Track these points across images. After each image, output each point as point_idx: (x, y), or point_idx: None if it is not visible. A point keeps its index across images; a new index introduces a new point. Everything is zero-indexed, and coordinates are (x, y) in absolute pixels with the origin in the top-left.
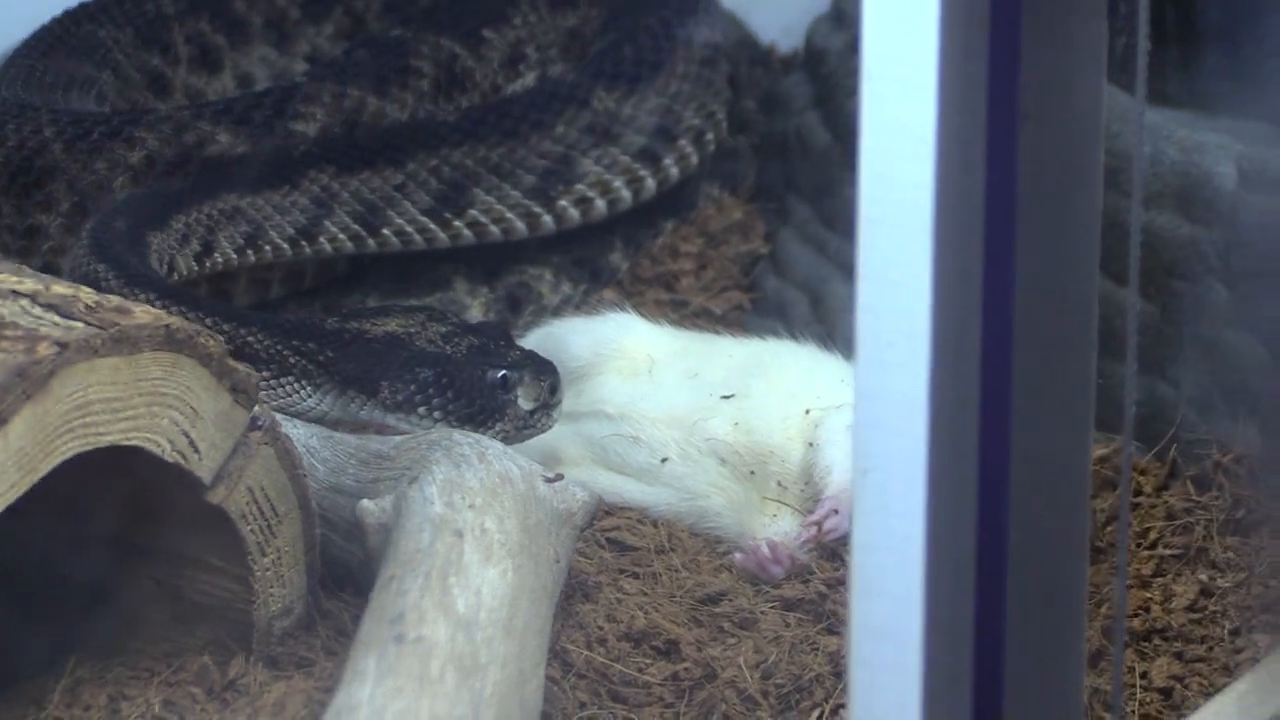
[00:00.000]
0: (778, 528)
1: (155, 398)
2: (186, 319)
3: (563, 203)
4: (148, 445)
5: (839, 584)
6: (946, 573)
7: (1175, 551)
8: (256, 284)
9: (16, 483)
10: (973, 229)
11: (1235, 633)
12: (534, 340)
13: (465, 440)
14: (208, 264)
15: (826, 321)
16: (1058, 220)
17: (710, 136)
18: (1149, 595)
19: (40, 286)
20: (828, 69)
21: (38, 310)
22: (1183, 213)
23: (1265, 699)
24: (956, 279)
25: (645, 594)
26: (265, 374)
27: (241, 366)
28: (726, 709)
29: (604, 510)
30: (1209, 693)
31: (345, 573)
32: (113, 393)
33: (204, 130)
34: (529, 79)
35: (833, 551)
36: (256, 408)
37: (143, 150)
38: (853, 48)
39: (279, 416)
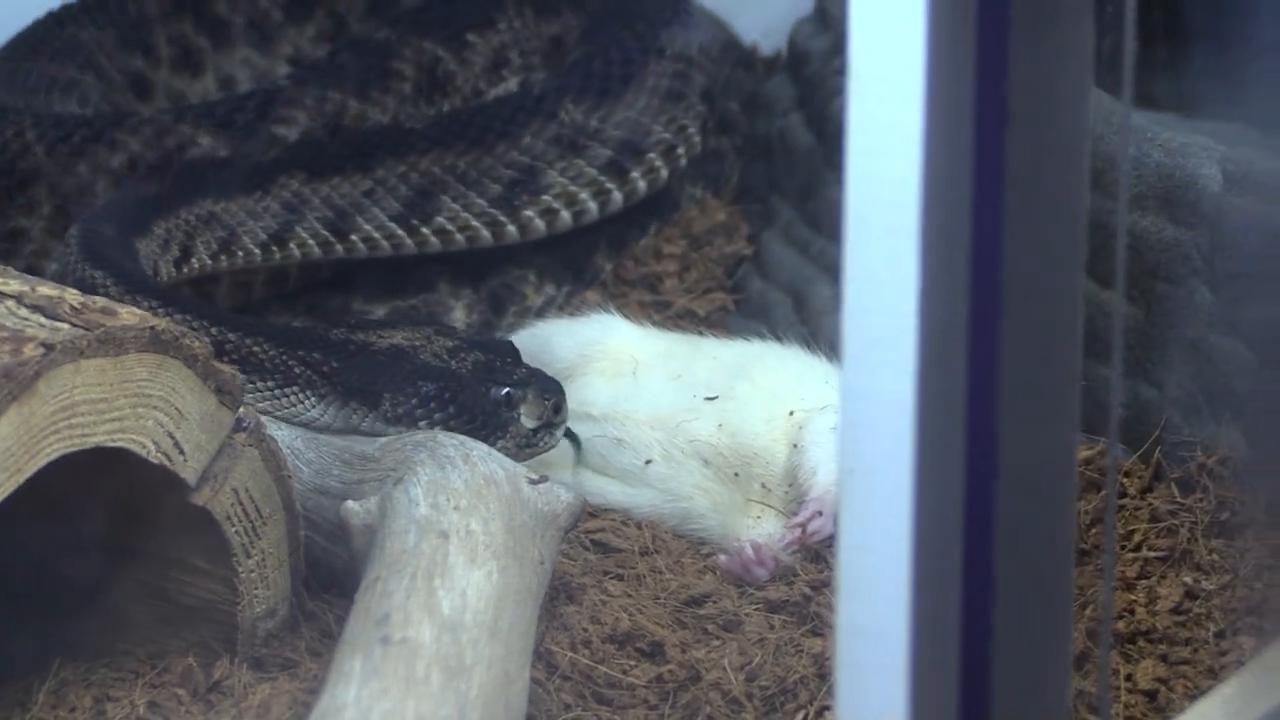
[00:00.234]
0: (762, 530)
1: (140, 399)
2: (191, 326)
3: (528, 213)
4: (133, 447)
5: (823, 586)
6: (933, 574)
7: (1160, 554)
8: (239, 287)
9: (2, 484)
10: (959, 230)
11: (1220, 635)
12: (518, 342)
13: (450, 442)
14: (185, 269)
15: (810, 323)
16: (1044, 222)
17: (681, 151)
18: (1133, 597)
19: (26, 288)
20: (811, 70)
21: (24, 312)
22: (1167, 215)
23: (1251, 702)
24: (943, 280)
25: (629, 596)
26: (270, 383)
27: (226, 368)
28: (711, 711)
29: (588, 512)
30: (1194, 695)
31: (330, 574)
32: (98, 394)
33: (185, 133)
34: (511, 84)
35: (817, 553)
36: (241, 409)
37: (125, 154)
38: (835, 49)
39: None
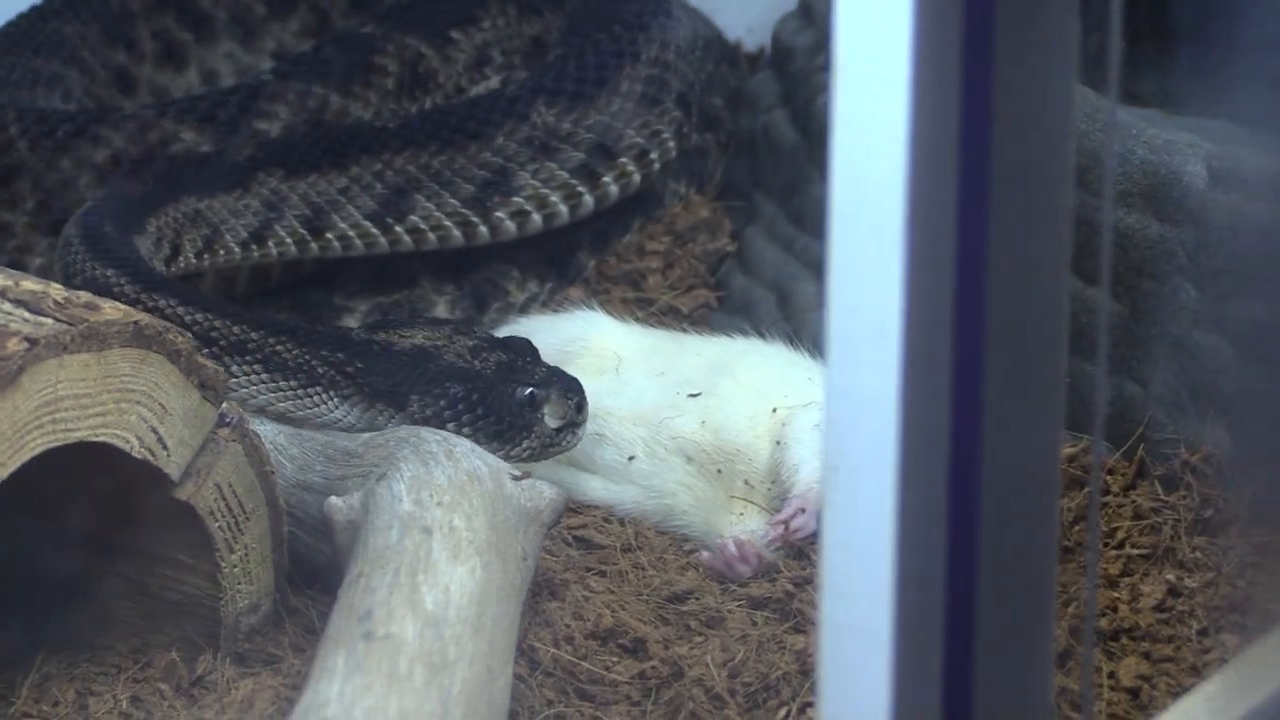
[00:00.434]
0: (745, 526)
1: (124, 394)
2: (214, 325)
3: (499, 214)
4: (117, 442)
5: (806, 583)
6: (916, 571)
7: (1143, 551)
8: (224, 281)
9: None
10: (944, 227)
11: (1203, 633)
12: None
13: (433, 438)
14: (174, 267)
15: (793, 319)
16: (1029, 219)
17: (654, 155)
18: (1116, 595)
19: (9, 283)
20: (795, 67)
21: (7, 306)
22: (1152, 212)
23: (1234, 700)
24: (928, 277)
25: (612, 592)
26: (293, 383)
27: (210, 363)
28: (694, 707)
29: (571, 508)
30: (1176, 693)
31: (313, 570)
32: (82, 389)
33: (168, 129)
34: (493, 82)
35: (800, 550)
36: (224, 404)
37: (108, 149)
38: (820, 45)
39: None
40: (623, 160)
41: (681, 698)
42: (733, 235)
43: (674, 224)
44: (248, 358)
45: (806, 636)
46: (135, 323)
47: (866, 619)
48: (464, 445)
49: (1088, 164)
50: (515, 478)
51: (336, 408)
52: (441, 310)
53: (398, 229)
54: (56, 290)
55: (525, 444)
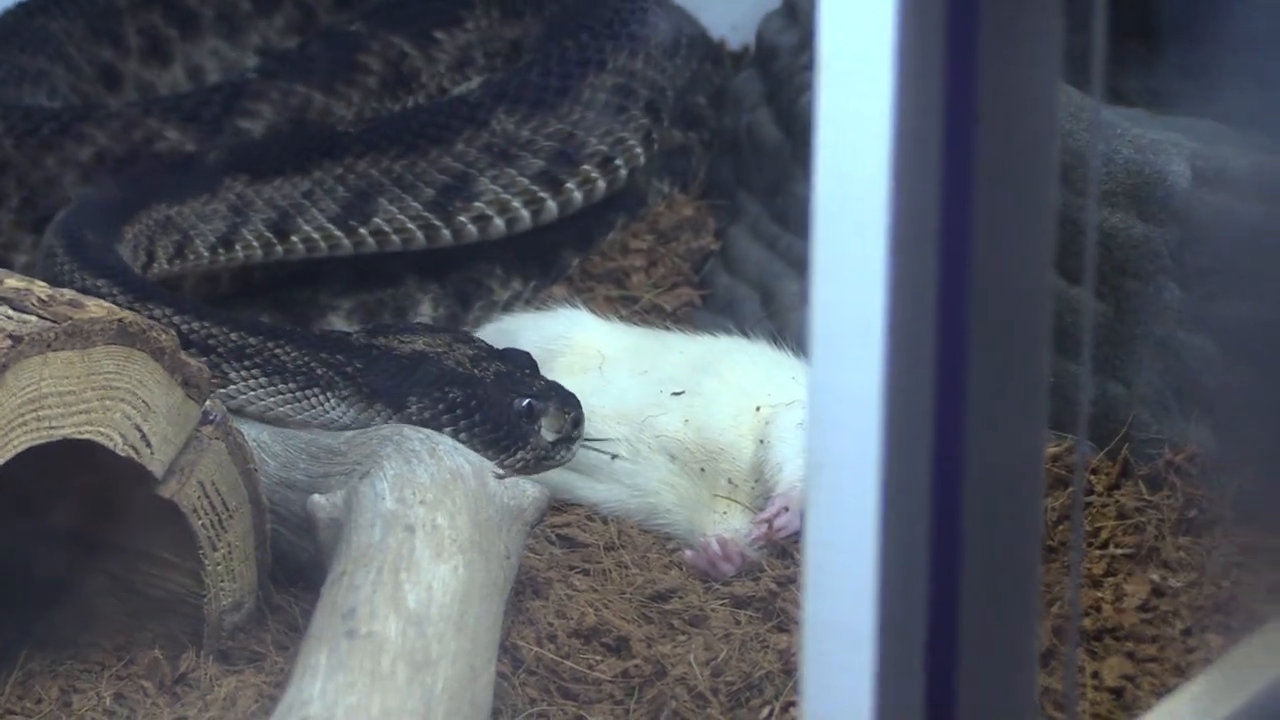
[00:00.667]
0: (728, 525)
1: (108, 392)
2: (210, 333)
3: (461, 218)
4: (100, 439)
5: (789, 581)
6: (899, 570)
7: (1127, 551)
8: (208, 280)
9: None
10: (928, 225)
11: (1187, 633)
12: (484, 336)
13: (416, 435)
14: (148, 273)
15: (777, 318)
16: (1013, 217)
17: (620, 163)
18: (1100, 595)
19: None
20: (779, 65)
21: None
22: (1136, 211)
23: (1219, 700)
24: (911, 275)
25: (595, 591)
26: (292, 385)
27: (193, 361)
28: (677, 706)
29: (554, 507)
30: (1160, 692)
31: (296, 568)
32: (66, 386)
33: (152, 127)
34: (475, 84)
35: (783, 549)
36: (208, 402)
37: (92, 147)
38: (804, 44)
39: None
40: (585, 167)
41: (664, 696)
42: (716, 234)
43: (658, 222)
44: (246, 362)
45: (790, 635)
46: (119, 320)
47: (849, 618)
48: (447, 443)
49: (1072, 163)
50: (499, 476)
51: (334, 408)
52: (426, 308)
53: (361, 231)
54: (40, 288)
55: (520, 454)
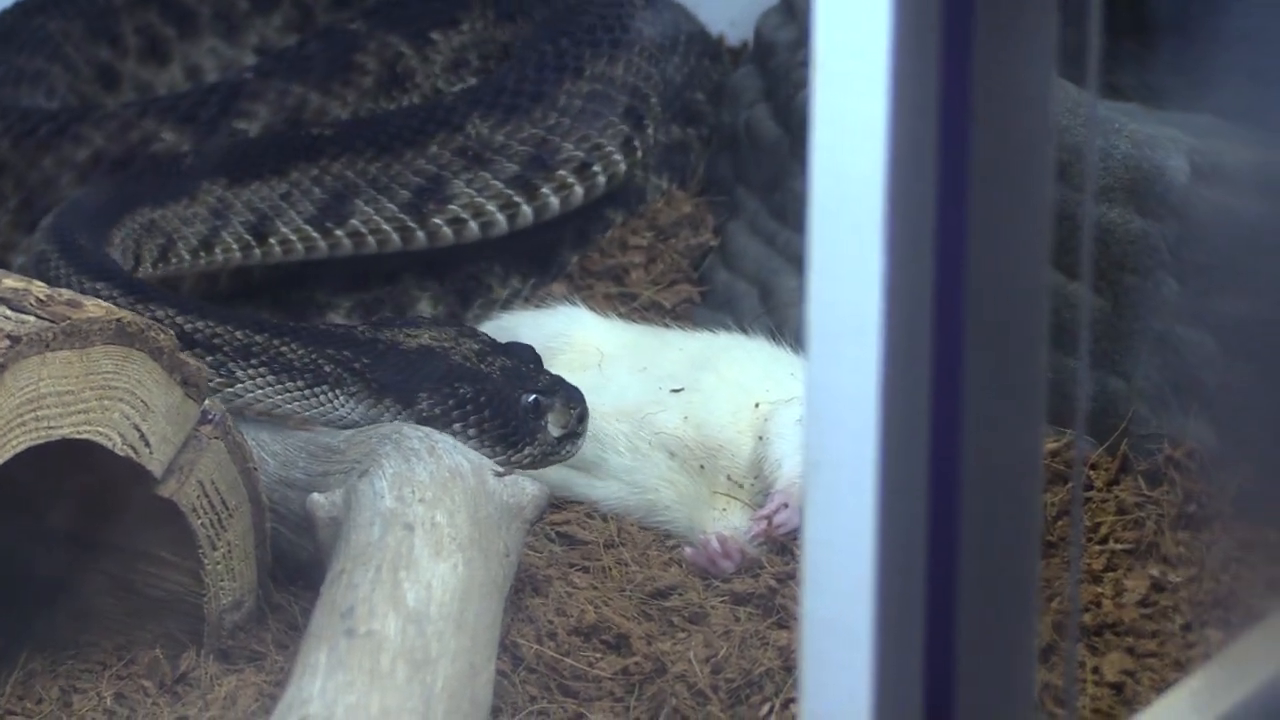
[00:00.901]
0: (728, 522)
1: (106, 391)
2: (215, 332)
3: (436, 220)
4: (99, 439)
5: (789, 578)
6: (898, 567)
7: (1127, 546)
8: (206, 279)
9: None
10: (924, 223)
11: (1187, 628)
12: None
13: (415, 434)
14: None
15: (776, 314)
16: (1009, 214)
17: (597, 169)
18: (1100, 590)
19: None
20: (777, 62)
21: None
22: (1134, 207)
23: (1219, 695)
24: (907, 273)
25: (595, 588)
26: (299, 383)
27: (192, 360)
28: (677, 703)
29: (554, 504)
30: (1160, 688)
31: (296, 566)
32: (65, 386)
33: (149, 128)
34: (469, 85)
35: (783, 546)
36: (207, 401)
37: (89, 148)
38: (801, 40)
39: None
40: (561, 173)
41: (664, 694)
42: (715, 230)
43: (656, 219)
44: (253, 360)
45: (789, 632)
46: (118, 320)
47: (848, 615)
48: (446, 441)
49: (1069, 159)
50: (498, 474)
51: (342, 405)
52: (425, 306)
53: (337, 233)
54: (38, 288)
55: (528, 450)
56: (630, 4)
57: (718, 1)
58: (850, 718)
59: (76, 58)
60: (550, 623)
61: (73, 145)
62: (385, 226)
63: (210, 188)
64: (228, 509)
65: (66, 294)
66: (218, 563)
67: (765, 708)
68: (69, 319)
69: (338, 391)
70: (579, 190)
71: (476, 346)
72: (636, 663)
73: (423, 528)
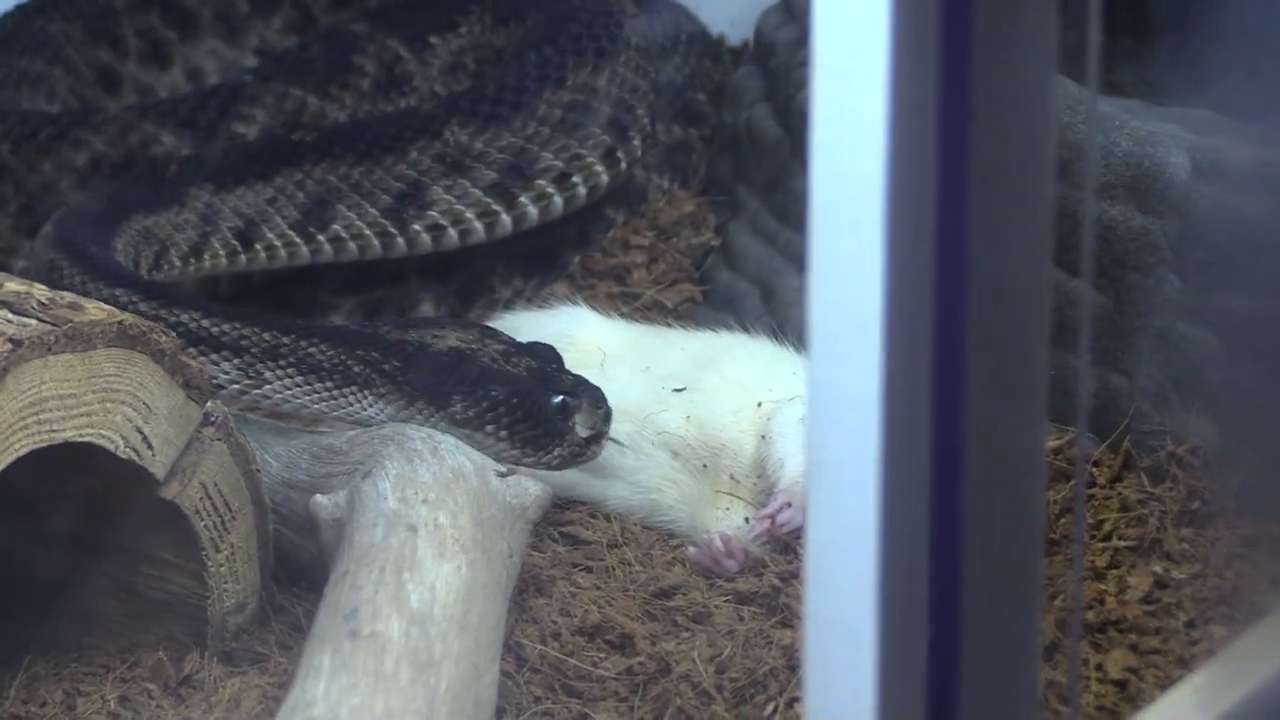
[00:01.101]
0: (731, 521)
1: (109, 394)
2: (242, 334)
3: (415, 227)
4: (102, 442)
5: (792, 577)
6: (901, 565)
7: (1130, 543)
8: (206, 281)
9: None
10: (924, 221)
11: (1190, 624)
12: None
13: (418, 435)
14: None
15: (778, 314)
16: (1009, 212)
17: (577, 180)
18: (1103, 587)
19: None
20: (777, 61)
21: None
22: (1135, 204)
23: (1222, 692)
24: (908, 272)
25: (599, 588)
26: (328, 384)
27: (194, 362)
28: (681, 703)
29: (557, 504)
30: (1164, 685)
31: (299, 568)
32: (67, 389)
33: (149, 132)
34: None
35: (786, 545)
36: (209, 403)
37: (89, 152)
38: (802, 40)
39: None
40: (540, 182)
41: (669, 693)
42: (717, 230)
43: (658, 219)
44: (281, 361)
45: (793, 631)
46: (119, 323)
47: (851, 613)
48: (448, 442)
49: (1070, 156)
50: (500, 474)
51: (371, 405)
52: (427, 306)
53: (320, 238)
54: (40, 291)
55: (557, 451)
56: (621, 15)
57: (718, 2)
58: (854, 716)
59: (77, 60)
60: (554, 623)
61: (73, 149)
62: (367, 232)
63: (198, 194)
64: (230, 511)
65: (68, 297)
66: (221, 565)
67: (769, 707)
68: (71, 322)
69: (367, 392)
70: (558, 200)
71: (500, 347)
72: (641, 662)
73: (426, 529)
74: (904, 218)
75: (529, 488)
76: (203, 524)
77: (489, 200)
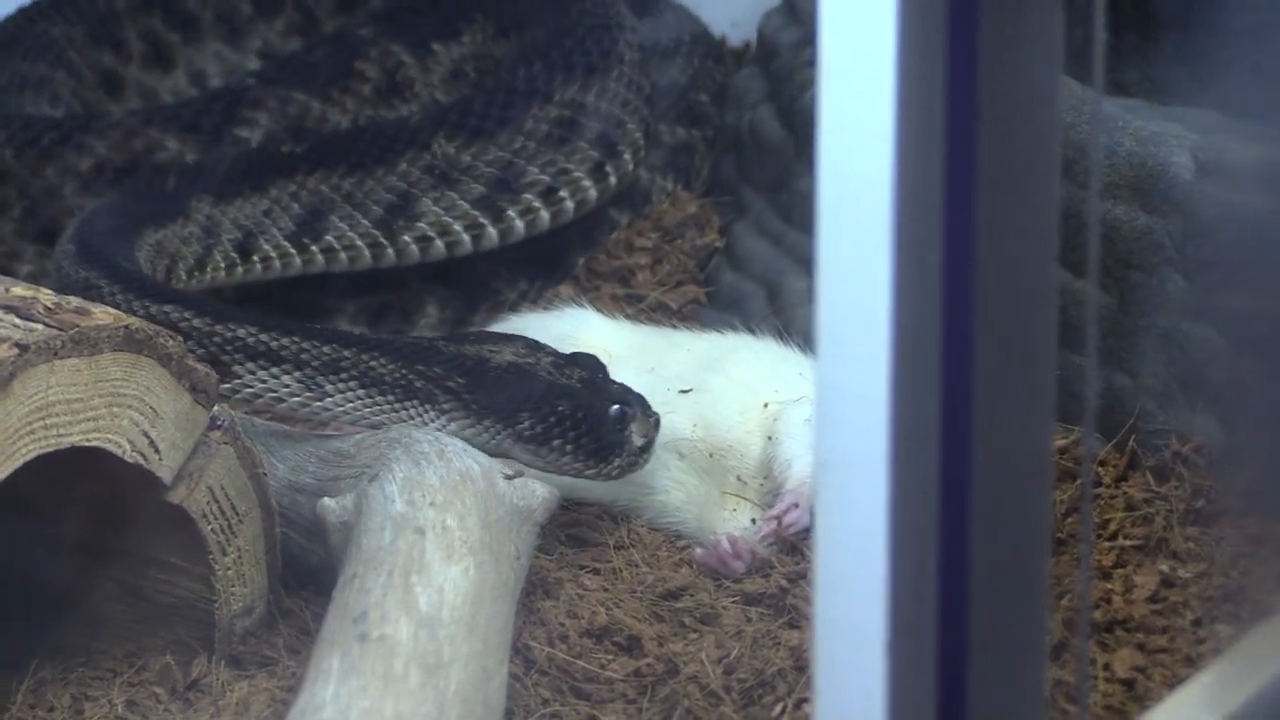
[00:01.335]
0: (738, 522)
1: (115, 398)
2: (301, 348)
3: (405, 238)
4: (109, 446)
5: (800, 578)
6: (909, 565)
7: (1136, 542)
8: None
9: None
10: (931, 222)
11: (1197, 623)
12: None
13: (425, 438)
14: None
15: (783, 314)
16: (1016, 213)
17: (564, 194)
18: (1110, 586)
19: None
20: (780, 63)
21: None
22: (1139, 203)
23: (1230, 690)
24: (916, 272)
25: (606, 590)
26: (389, 398)
27: (201, 366)
28: (689, 704)
29: (564, 506)
30: (1171, 684)
31: (306, 571)
32: (74, 394)
33: (153, 137)
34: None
35: (793, 545)
36: (216, 407)
37: (92, 157)
38: (804, 41)
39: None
40: (526, 196)
41: (677, 695)
42: (721, 231)
43: (662, 220)
44: (343, 375)
45: (801, 632)
46: (126, 327)
47: (860, 614)
48: (455, 445)
49: (1074, 156)
50: (508, 477)
51: (434, 421)
52: (432, 309)
53: (313, 249)
54: (46, 296)
55: (616, 461)
56: (619, 30)
57: (720, 3)
58: (864, 716)
59: (80, 64)
60: (562, 625)
61: (76, 154)
62: (359, 242)
63: (199, 205)
64: (238, 514)
65: (75, 302)
66: (228, 568)
67: (778, 708)
68: (77, 326)
69: (428, 407)
70: (544, 215)
71: (550, 359)
72: (649, 664)
73: (434, 531)
74: (911, 218)
75: (536, 490)
76: (210, 528)
77: (476, 213)
